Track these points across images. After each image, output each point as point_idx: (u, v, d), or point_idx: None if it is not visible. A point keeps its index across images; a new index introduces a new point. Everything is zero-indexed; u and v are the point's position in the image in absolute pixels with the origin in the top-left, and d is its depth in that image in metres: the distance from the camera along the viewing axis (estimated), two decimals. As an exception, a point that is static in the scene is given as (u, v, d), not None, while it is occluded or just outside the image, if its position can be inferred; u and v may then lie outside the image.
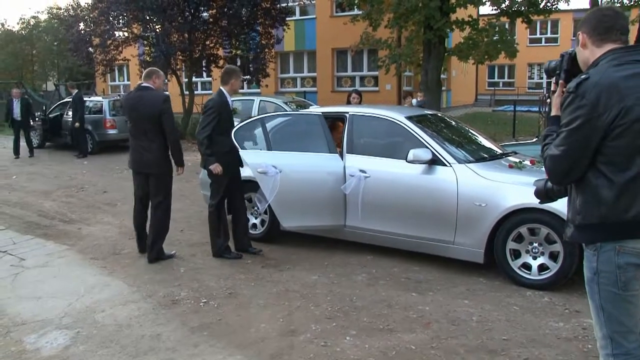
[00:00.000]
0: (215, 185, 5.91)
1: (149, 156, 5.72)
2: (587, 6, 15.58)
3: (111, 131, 15.46)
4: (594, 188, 2.33)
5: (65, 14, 21.02)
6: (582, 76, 2.30)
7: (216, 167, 5.68)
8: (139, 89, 5.82)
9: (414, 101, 11.31)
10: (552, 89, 2.62)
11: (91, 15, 18.49)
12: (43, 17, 38.35)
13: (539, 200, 2.81)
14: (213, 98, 5.83)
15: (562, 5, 15.90)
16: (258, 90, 22.98)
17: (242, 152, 6.03)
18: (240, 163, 6.00)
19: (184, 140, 17.52)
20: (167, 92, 17.49)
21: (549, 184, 2.67)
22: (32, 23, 37.71)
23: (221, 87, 5.91)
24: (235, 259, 5.89)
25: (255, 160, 5.97)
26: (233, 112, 6.25)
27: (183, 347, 3.94)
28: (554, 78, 2.61)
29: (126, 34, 18.90)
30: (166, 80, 19.46)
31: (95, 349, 3.93)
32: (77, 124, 14.49)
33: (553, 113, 2.56)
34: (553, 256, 4.88)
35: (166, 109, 5.64)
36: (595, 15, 2.42)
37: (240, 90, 24.06)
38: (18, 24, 37.96)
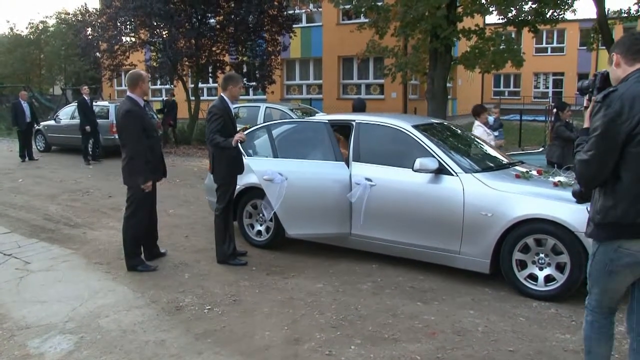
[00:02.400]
0: (222, 189, 5.93)
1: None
2: (594, 16, 15.58)
3: (117, 136, 15.43)
4: (614, 191, 2.67)
5: (74, 19, 21.17)
6: (610, 89, 2.66)
7: (240, 135, 5.67)
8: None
9: (490, 118, 10.00)
10: (585, 104, 2.97)
11: (99, 21, 18.57)
12: (51, 21, 38.51)
13: (575, 200, 3.18)
14: (215, 104, 5.86)
15: (569, 15, 15.85)
16: (264, 97, 23.04)
17: (248, 159, 6.04)
18: (242, 168, 6.03)
19: (190, 145, 17.59)
20: (173, 98, 17.61)
21: None
22: (40, 27, 37.86)
23: (221, 94, 5.96)
24: (240, 266, 5.89)
25: (261, 168, 5.96)
26: (235, 117, 6.26)
27: (187, 354, 3.92)
28: (587, 95, 2.98)
29: (133, 39, 18.98)
30: (172, 86, 19.63)
31: (99, 354, 3.92)
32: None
33: (585, 125, 2.88)
34: (560, 267, 4.85)
35: (125, 123, 5.59)
36: (629, 39, 2.78)
37: (247, 97, 24.16)
38: (27, 28, 38.06)
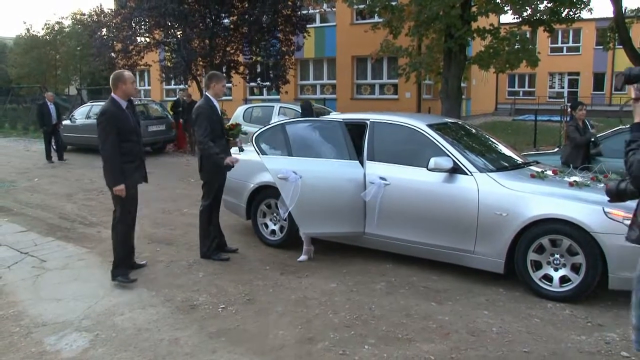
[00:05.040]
0: (207, 187, 6.05)
1: None
2: (611, 15, 15.42)
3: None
4: None
5: (89, 19, 21.33)
6: None
7: (232, 159, 5.81)
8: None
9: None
10: (634, 95, 2.60)
11: (114, 21, 18.73)
12: (67, 22, 38.97)
13: (608, 199, 2.93)
14: (201, 104, 5.93)
15: (585, 14, 15.66)
16: (278, 97, 23.08)
17: (263, 158, 6.04)
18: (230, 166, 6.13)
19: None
20: (192, 98, 17.68)
21: (622, 185, 2.74)
22: (56, 28, 38.28)
23: (206, 93, 6.04)
24: (223, 261, 5.99)
25: (276, 166, 5.96)
26: (222, 114, 6.30)
27: (201, 352, 3.94)
28: (635, 85, 2.60)
29: (148, 39, 19.11)
30: (186, 86, 19.71)
31: (114, 352, 3.95)
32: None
33: (636, 120, 2.55)
34: (575, 268, 4.81)
35: (99, 123, 5.27)
36: None
37: (261, 97, 24.20)
38: (43, 29, 38.50)
